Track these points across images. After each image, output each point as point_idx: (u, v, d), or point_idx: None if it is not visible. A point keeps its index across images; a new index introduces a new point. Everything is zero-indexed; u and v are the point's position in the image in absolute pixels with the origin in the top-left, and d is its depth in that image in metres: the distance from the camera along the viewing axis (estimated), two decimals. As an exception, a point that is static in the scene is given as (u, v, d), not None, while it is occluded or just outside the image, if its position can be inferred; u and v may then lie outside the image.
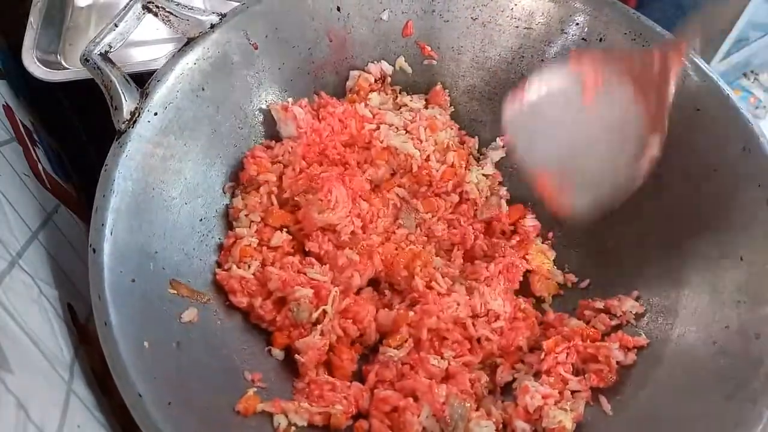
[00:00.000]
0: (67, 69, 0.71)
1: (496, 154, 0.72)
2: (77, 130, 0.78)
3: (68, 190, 0.67)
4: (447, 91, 0.72)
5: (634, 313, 0.58)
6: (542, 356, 0.56)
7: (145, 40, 0.75)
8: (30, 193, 0.54)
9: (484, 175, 0.71)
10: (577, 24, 0.64)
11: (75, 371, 0.45)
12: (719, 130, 0.57)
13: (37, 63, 0.68)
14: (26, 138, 0.61)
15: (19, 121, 0.62)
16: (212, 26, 0.59)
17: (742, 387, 0.47)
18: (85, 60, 0.54)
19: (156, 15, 0.57)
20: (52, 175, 0.64)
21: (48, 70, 0.68)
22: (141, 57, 0.73)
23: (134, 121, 0.54)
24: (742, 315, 0.51)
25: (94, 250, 0.48)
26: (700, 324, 0.53)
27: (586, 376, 0.55)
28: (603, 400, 0.54)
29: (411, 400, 0.54)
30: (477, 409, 0.54)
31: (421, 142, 0.66)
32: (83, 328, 0.50)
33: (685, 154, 0.59)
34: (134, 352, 0.45)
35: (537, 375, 0.56)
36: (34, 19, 0.72)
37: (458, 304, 0.60)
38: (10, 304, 0.39)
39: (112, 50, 0.56)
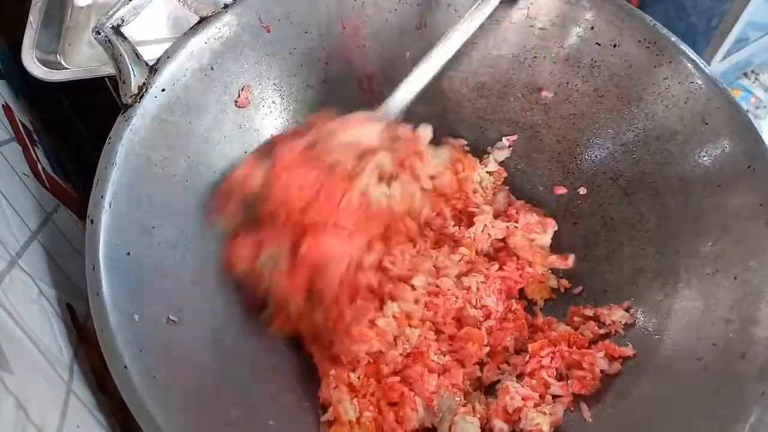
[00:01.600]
0: (67, 69, 0.70)
1: (501, 154, 0.71)
2: (77, 130, 0.78)
3: (68, 190, 0.67)
4: (458, 87, 0.72)
5: (623, 323, 0.58)
6: (527, 358, 0.56)
7: (145, 40, 0.76)
8: (30, 192, 0.54)
9: (488, 172, 0.71)
10: (592, 28, 0.64)
11: (74, 371, 0.46)
12: (726, 145, 0.56)
13: (37, 63, 0.68)
14: (26, 138, 0.61)
15: (18, 121, 0.62)
16: (226, 6, 0.60)
17: (723, 405, 0.47)
18: (97, 32, 0.54)
19: (170, -8, 0.58)
20: (51, 175, 0.64)
21: (48, 70, 0.67)
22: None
23: (141, 96, 0.54)
24: (731, 333, 0.50)
25: (92, 221, 0.48)
26: (688, 339, 0.53)
27: (569, 381, 0.55)
28: (584, 407, 0.54)
29: (408, 390, 0.55)
30: (464, 405, 0.55)
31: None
32: (83, 327, 0.51)
33: (688, 167, 0.58)
34: (124, 324, 0.46)
35: (520, 377, 0.56)
36: (33, 19, 0.72)
37: (457, 298, 0.61)
38: (10, 304, 0.40)
39: (124, 24, 0.56)
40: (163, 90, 0.56)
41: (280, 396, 0.55)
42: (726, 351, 0.50)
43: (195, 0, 0.59)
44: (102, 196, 0.49)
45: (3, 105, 0.61)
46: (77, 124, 0.79)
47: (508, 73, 0.70)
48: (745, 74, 1.34)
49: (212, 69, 0.60)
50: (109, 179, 0.50)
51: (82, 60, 0.71)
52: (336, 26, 0.67)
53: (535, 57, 0.68)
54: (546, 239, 0.66)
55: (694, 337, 0.52)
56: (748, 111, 1.27)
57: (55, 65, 0.71)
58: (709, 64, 0.58)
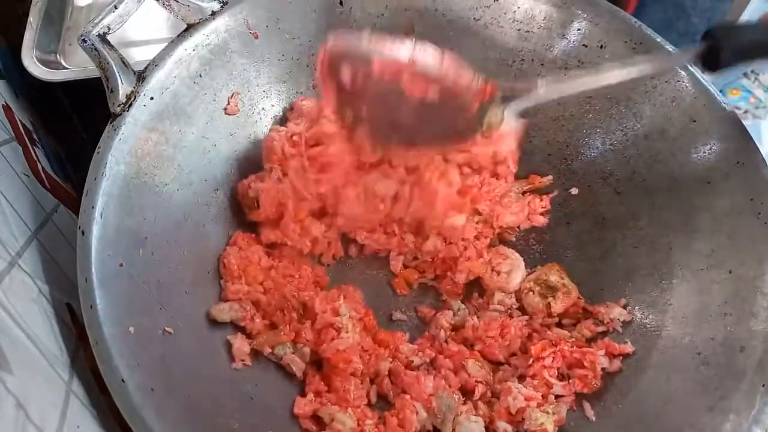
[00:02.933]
0: (67, 69, 0.70)
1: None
2: (77, 130, 0.78)
3: (68, 189, 0.67)
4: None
5: (621, 320, 0.58)
6: (530, 361, 0.56)
7: (145, 40, 0.75)
8: (30, 193, 0.54)
9: None
10: (578, 30, 0.64)
11: (74, 371, 0.45)
12: (714, 142, 0.57)
13: (37, 63, 0.68)
14: (26, 138, 0.61)
15: (18, 121, 0.62)
16: (213, 13, 0.59)
17: (724, 398, 0.47)
18: (83, 41, 0.53)
19: (157, -1, 0.57)
20: (51, 175, 0.64)
21: (48, 69, 0.67)
22: (141, 57, 0.73)
23: (129, 105, 0.53)
24: (728, 327, 0.51)
25: (83, 233, 0.47)
26: (686, 334, 0.53)
27: (570, 380, 0.55)
28: (586, 405, 0.54)
29: (404, 394, 0.55)
30: (465, 403, 0.55)
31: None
32: (83, 328, 0.50)
33: (678, 165, 0.59)
34: (119, 337, 0.45)
35: (522, 378, 0.56)
36: (33, 19, 0.72)
37: None
38: (10, 304, 0.39)
39: (110, 32, 0.55)
40: (151, 98, 0.55)
41: (280, 409, 0.54)
42: (725, 345, 0.50)
43: (182, 7, 0.58)
44: (92, 207, 0.48)
45: (3, 105, 0.60)
46: (77, 124, 0.78)
47: (496, 77, 0.69)
48: (745, 74, 1.35)
49: (200, 76, 0.59)
50: (99, 190, 0.49)
51: (82, 60, 0.71)
52: (324, 32, 0.66)
53: (523, 60, 0.69)
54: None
55: (693, 332, 0.53)
56: (747, 111, 1.28)
57: (55, 65, 0.70)
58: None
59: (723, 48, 0.48)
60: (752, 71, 1.34)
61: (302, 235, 0.61)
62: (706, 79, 0.59)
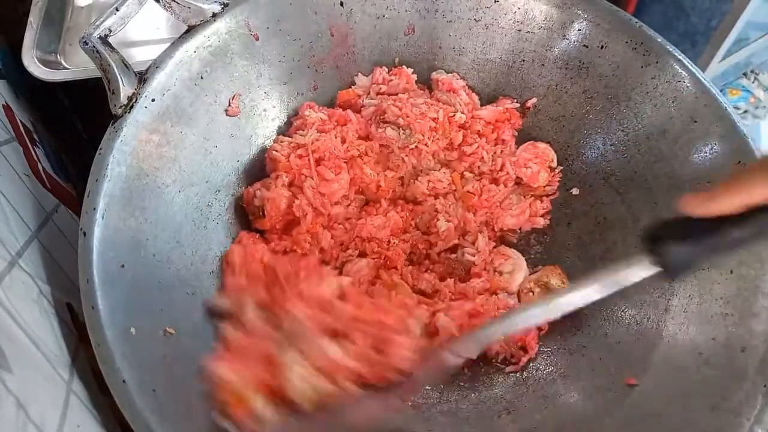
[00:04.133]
0: (67, 69, 0.71)
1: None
2: (77, 130, 0.78)
3: (68, 190, 0.67)
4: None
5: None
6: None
7: (145, 40, 0.76)
8: (30, 193, 0.54)
9: None
10: (579, 30, 0.64)
11: (75, 371, 0.45)
12: (715, 142, 0.57)
13: (37, 63, 0.68)
14: (26, 138, 0.61)
15: (19, 121, 0.62)
16: (214, 15, 0.59)
17: (726, 399, 0.47)
18: (84, 43, 0.53)
19: (158, 0, 0.57)
20: (52, 175, 0.64)
21: (48, 70, 0.68)
22: (141, 57, 0.73)
23: (131, 107, 0.53)
24: (729, 327, 0.51)
25: (84, 234, 0.47)
26: (687, 334, 0.53)
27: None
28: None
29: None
30: None
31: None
32: (83, 327, 0.50)
33: (678, 164, 0.59)
34: (120, 338, 0.45)
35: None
36: (34, 19, 0.72)
37: None
38: (10, 304, 0.39)
39: (111, 34, 0.55)
40: (153, 100, 0.55)
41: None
42: (726, 345, 0.50)
43: (183, 9, 0.58)
44: (94, 208, 0.48)
45: (3, 105, 0.60)
46: (77, 124, 0.79)
47: (497, 78, 0.70)
48: (745, 74, 1.35)
49: (202, 78, 0.59)
50: (101, 191, 0.49)
51: (82, 60, 0.71)
52: (325, 33, 0.67)
53: (523, 60, 0.69)
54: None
55: (694, 332, 0.53)
56: (747, 111, 1.28)
57: (55, 65, 0.71)
58: (708, 64, 0.59)
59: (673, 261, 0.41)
60: (752, 71, 1.34)
61: (312, 245, 0.62)
62: (706, 78, 0.59)
